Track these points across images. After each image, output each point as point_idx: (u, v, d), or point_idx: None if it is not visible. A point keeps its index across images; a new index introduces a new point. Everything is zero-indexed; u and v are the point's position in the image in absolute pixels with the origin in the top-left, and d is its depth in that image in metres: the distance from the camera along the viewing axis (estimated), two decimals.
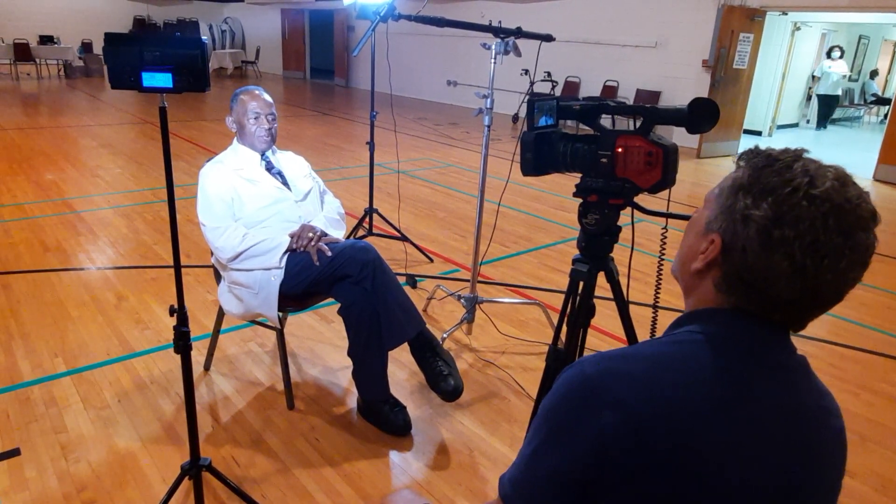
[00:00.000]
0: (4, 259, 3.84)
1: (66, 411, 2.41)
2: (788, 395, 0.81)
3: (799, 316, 0.81)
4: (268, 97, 2.55)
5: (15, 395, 2.49)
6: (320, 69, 18.18)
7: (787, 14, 10.17)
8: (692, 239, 0.90)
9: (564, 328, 1.69)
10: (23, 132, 8.04)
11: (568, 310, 1.66)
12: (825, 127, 12.70)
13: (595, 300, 1.66)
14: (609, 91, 10.51)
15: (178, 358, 2.82)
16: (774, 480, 0.78)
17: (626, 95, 10.24)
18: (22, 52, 14.61)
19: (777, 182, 0.77)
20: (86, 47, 16.44)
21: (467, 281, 3.87)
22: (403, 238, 4.14)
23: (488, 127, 2.80)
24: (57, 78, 15.10)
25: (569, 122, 8.02)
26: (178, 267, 1.59)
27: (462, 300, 3.09)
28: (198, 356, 2.84)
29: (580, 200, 1.56)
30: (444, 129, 9.91)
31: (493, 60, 2.71)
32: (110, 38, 1.23)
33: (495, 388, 2.73)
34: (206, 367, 2.75)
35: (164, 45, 1.26)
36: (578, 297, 1.63)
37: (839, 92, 12.43)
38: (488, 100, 2.74)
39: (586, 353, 1.07)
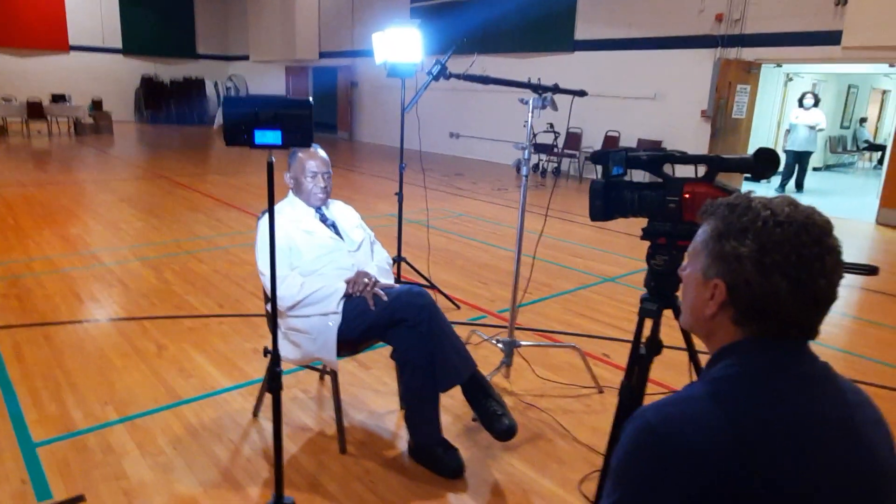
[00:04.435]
0: (43, 311, 3.90)
1: (123, 458, 2.45)
2: (825, 400, 0.91)
3: (810, 324, 0.93)
4: (324, 156, 2.65)
5: (72, 443, 2.53)
6: (324, 123, 18.58)
7: (780, 66, 10.57)
8: (695, 292, 1.01)
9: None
10: (42, 188, 8.19)
11: (638, 346, 1.74)
12: (800, 189, 10.28)
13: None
14: (611, 141, 10.80)
15: (226, 405, 2.89)
16: (843, 484, 0.86)
17: (628, 144, 10.51)
18: (35, 111, 14.94)
19: (747, 221, 0.92)
20: (95, 105, 16.82)
21: (495, 326, 3.95)
22: (432, 286, 4.23)
23: (526, 177, 2.93)
24: (67, 135, 15.39)
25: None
26: (274, 317, 1.67)
27: (500, 345, 3.16)
28: (245, 403, 2.89)
29: (648, 243, 1.66)
30: (451, 180, 10.12)
31: (530, 114, 2.86)
32: (229, 101, 1.35)
33: (539, 430, 2.78)
34: (255, 414, 2.80)
35: (276, 105, 1.37)
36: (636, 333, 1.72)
37: (813, 148, 10.05)
38: (526, 152, 2.88)
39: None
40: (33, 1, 17.11)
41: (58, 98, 16.36)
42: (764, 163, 1.48)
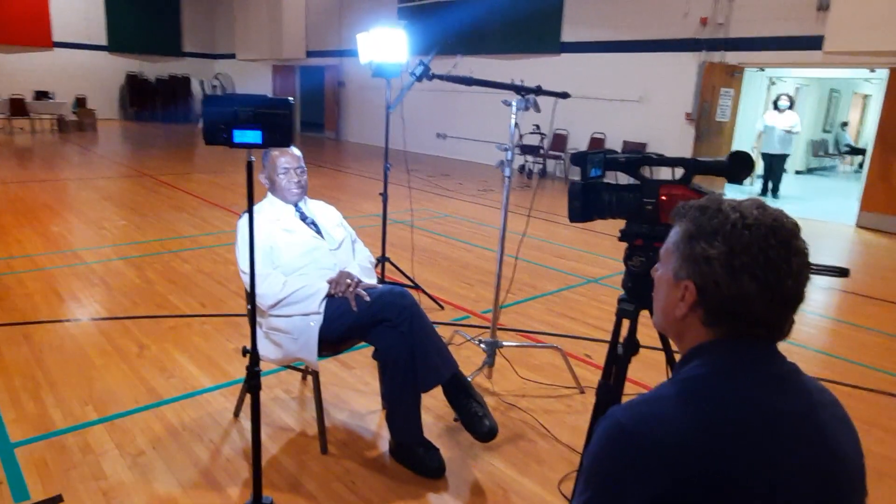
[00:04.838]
0: (22, 310, 3.86)
1: (102, 458, 2.43)
2: (792, 399, 0.93)
3: (779, 324, 0.95)
4: (296, 152, 2.65)
5: (50, 444, 2.51)
6: (310, 122, 18.52)
7: (763, 70, 10.69)
8: (665, 292, 1.04)
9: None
10: (24, 185, 8.10)
11: (616, 346, 1.76)
12: (775, 194, 10.06)
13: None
14: (597, 142, 10.86)
15: (207, 405, 2.88)
16: (807, 482, 0.89)
17: (614, 146, 10.58)
18: (17, 108, 14.76)
19: (717, 223, 0.94)
20: (79, 102, 16.65)
21: (478, 327, 3.96)
22: (416, 286, 4.23)
23: (509, 178, 2.95)
24: (50, 132, 15.22)
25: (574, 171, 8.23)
26: (253, 316, 1.67)
27: (482, 345, 3.17)
28: (227, 403, 2.88)
29: (625, 244, 1.68)
30: (437, 181, 10.13)
31: (513, 116, 2.88)
32: (209, 99, 1.35)
33: (520, 430, 2.80)
34: (236, 414, 2.79)
35: (255, 105, 1.37)
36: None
37: (787, 150, 9.91)
38: (509, 153, 2.90)
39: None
40: None
41: (41, 95, 16.19)
42: (738, 165, 1.51)
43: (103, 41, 18.64)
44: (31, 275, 4.54)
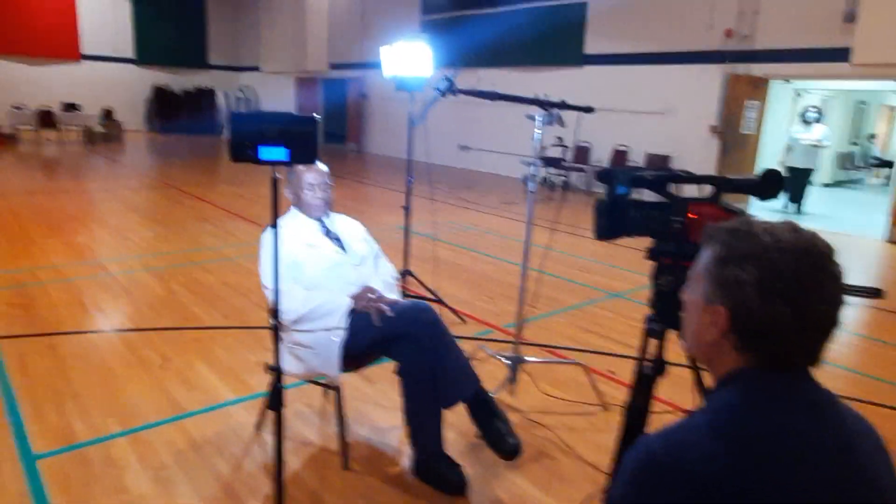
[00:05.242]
0: (47, 320, 3.91)
1: (125, 472, 2.44)
2: (828, 429, 0.89)
3: (813, 350, 0.92)
4: (322, 167, 2.66)
5: (72, 456, 2.52)
6: (333, 134, 18.67)
7: (790, 82, 10.56)
8: (696, 317, 1.01)
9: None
10: (51, 196, 8.25)
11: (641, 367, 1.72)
12: (798, 209, 9.79)
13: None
14: (620, 155, 10.79)
15: (229, 418, 2.88)
16: None
17: (636, 159, 10.50)
18: (46, 119, 15.09)
19: (749, 247, 0.91)
20: (106, 114, 16.97)
21: (501, 341, 3.93)
22: (438, 300, 4.22)
23: (533, 192, 2.92)
24: (78, 144, 15.51)
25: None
26: (276, 331, 1.66)
27: (505, 360, 3.14)
28: (248, 417, 2.88)
29: (653, 262, 1.65)
30: (458, 193, 10.13)
31: (537, 130, 2.86)
32: (235, 116, 1.35)
33: (543, 447, 2.76)
34: (258, 428, 2.78)
35: (281, 122, 1.37)
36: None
37: (812, 165, 9.68)
38: (534, 166, 2.88)
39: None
40: (46, 10, 17.25)
41: (69, 107, 16.52)
42: (770, 184, 1.47)
43: (131, 54, 19.00)
44: (57, 285, 4.60)
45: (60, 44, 17.59)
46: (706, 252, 0.98)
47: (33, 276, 4.82)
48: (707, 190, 1.60)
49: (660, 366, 1.71)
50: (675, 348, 1.89)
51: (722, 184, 1.53)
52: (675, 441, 0.89)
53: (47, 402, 2.93)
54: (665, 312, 1.67)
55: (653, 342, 1.70)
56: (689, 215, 1.55)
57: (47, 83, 17.40)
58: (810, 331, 0.90)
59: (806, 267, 0.89)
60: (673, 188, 1.59)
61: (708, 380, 1.06)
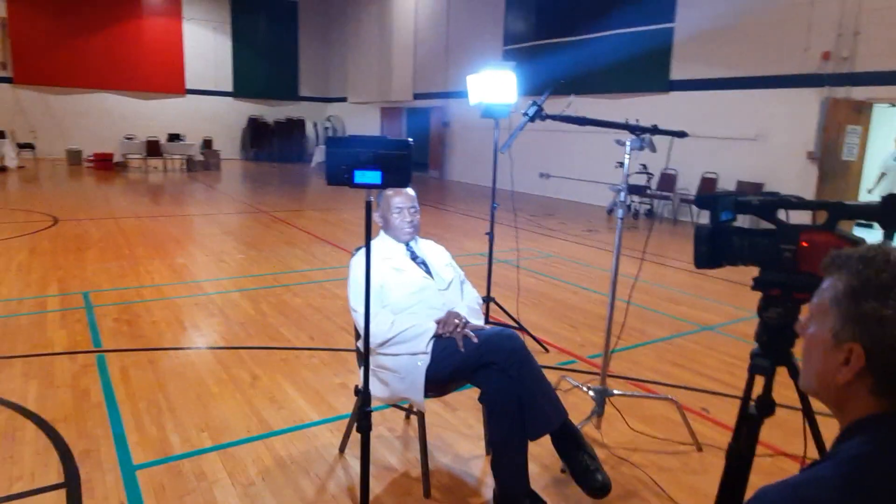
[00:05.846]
0: (149, 337, 4.13)
1: (215, 486, 2.51)
2: None
3: None
4: (410, 192, 2.69)
5: (167, 468, 2.62)
6: (416, 162, 19.02)
7: (895, 106, 9.91)
8: (823, 355, 0.90)
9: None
10: (156, 220, 8.79)
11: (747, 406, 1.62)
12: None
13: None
14: (708, 182, 10.41)
15: (314, 438, 2.91)
16: None
17: (727, 186, 10.09)
18: (153, 149, 16.23)
19: (888, 278, 0.81)
20: (206, 143, 18.04)
21: (585, 373, 3.82)
22: (521, 328, 4.16)
23: (621, 220, 2.85)
24: (180, 171, 16.54)
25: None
26: (367, 353, 1.67)
27: (591, 392, 3.04)
28: (332, 438, 2.91)
29: (758, 293, 1.55)
30: (540, 220, 10.04)
31: (627, 156, 2.79)
32: (332, 141, 1.38)
33: (633, 487, 2.63)
34: (342, 450, 2.81)
35: (376, 146, 1.40)
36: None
37: None
38: (622, 193, 2.80)
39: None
40: (157, 49, 18.81)
41: (173, 137, 17.68)
42: (893, 210, 1.36)
43: (229, 87, 20.27)
44: (158, 303, 4.86)
45: (168, 80, 19.09)
46: (831, 282, 0.90)
47: (138, 294, 5.11)
48: (815, 217, 1.50)
49: (767, 406, 1.59)
50: (778, 388, 1.77)
51: (838, 210, 1.42)
52: (801, 497, 0.80)
53: (146, 415, 3.07)
54: (773, 347, 1.57)
55: (759, 379, 1.60)
56: (802, 244, 1.45)
57: (155, 116, 18.83)
58: None
59: None
60: (783, 214, 1.50)
61: (822, 424, 0.97)
